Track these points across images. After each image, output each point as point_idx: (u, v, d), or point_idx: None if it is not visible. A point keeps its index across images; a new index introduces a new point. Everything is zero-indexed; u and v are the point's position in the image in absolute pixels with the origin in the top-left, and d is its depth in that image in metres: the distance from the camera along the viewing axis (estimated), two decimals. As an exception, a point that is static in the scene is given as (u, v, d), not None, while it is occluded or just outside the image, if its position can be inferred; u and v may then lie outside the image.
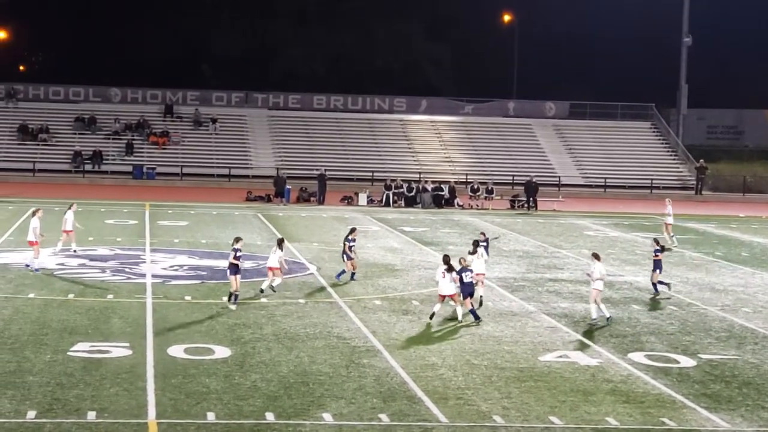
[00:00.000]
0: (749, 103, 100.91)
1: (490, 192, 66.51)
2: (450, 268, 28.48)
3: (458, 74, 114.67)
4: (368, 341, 26.24)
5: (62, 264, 36.85)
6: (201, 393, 21.17)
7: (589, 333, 28.12)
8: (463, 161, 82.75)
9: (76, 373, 22.31)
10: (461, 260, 29.68)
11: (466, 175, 77.84)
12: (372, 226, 52.46)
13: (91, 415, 19.55)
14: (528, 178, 68.69)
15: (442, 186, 66.94)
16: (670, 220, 49.41)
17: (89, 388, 21.19)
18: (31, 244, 35.57)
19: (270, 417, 19.88)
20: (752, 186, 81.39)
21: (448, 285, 28.45)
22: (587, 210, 65.70)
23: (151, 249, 41.48)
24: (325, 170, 68.49)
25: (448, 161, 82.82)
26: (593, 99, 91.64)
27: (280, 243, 32.80)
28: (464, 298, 28.81)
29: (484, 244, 33.96)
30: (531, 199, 65.98)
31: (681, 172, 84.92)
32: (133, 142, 79.90)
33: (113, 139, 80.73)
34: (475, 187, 67.34)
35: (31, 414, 19.51)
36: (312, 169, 73.07)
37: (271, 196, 65.05)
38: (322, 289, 33.70)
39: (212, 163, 79.65)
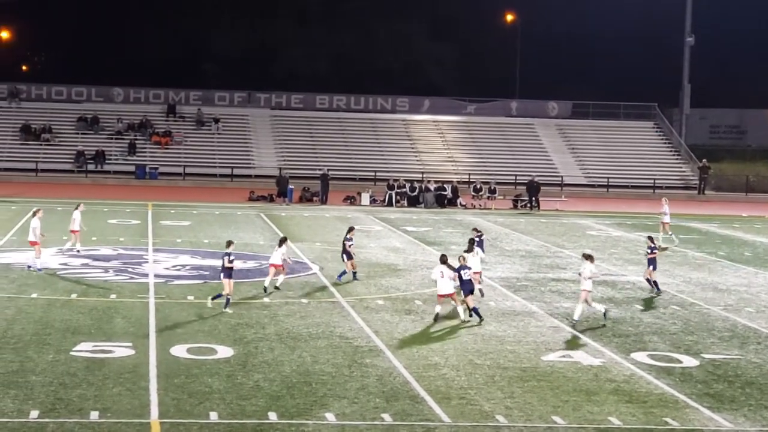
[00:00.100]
0: (751, 102, 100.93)
1: (492, 192, 66.52)
2: (448, 267, 28.47)
3: (461, 74, 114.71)
4: (371, 341, 26.24)
5: (65, 264, 36.86)
6: (204, 393, 21.17)
7: (592, 333, 28.10)
8: (465, 161, 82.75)
9: (79, 372, 22.31)
10: (460, 258, 29.73)
11: (469, 174, 77.84)
12: (375, 226, 52.46)
13: (94, 415, 19.55)
14: (530, 178, 68.69)
15: (444, 186, 66.97)
16: (666, 219, 49.42)
17: (92, 388, 21.20)
18: (32, 244, 35.60)
19: (273, 417, 19.88)
20: (755, 185, 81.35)
21: (446, 284, 28.44)
22: (590, 210, 65.69)
23: (153, 249, 41.50)
24: (328, 170, 68.52)
25: (450, 161, 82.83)
26: (596, 99, 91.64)
27: (282, 242, 32.88)
28: (465, 295, 28.82)
29: (478, 239, 34.02)
30: (533, 198, 65.98)
31: (684, 171, 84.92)
32: (136, 141, 79.97)
33: (116, 138, 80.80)
34: (478, 186, 67.34)
35: (34, 414, 19.52)
36: (315, 169, 73.14)
37: (274, 196, 65.06)
38: (325, 288, 33.70)
39: (215, 162, 79.69)
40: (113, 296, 31.04)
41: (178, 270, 36.41)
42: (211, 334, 26.36)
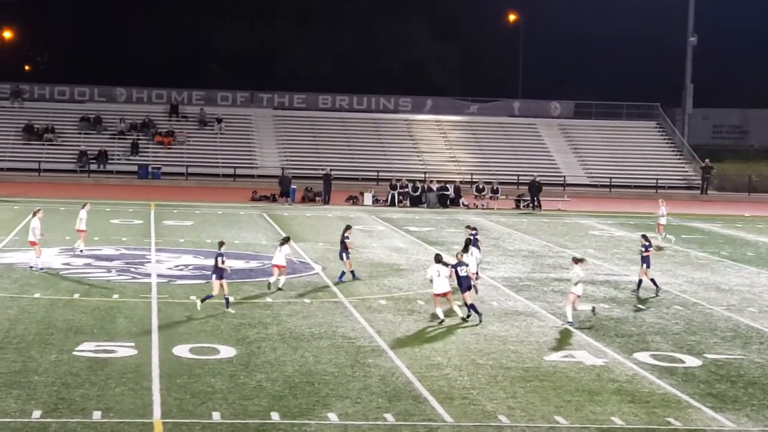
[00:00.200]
0: (754, 102, 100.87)
1: (495, 192, 66.52)
2: (443, 265, 28.47)
3: (463, 74, 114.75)
4: (373, 341, 26.24)
5: (68, 264, 36.88)
6: (206, 393, 21.18)
7: (594, 333, 28.09)
8: (468, 161, 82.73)
9: (82, 372, 22.32)
10: (458, 255, 29.77)
11: (471, 174, 77.81)
12: (377, 226, 52.47)
13: (97, 415, 19.56)
14: (531, 178, 68.69)
15: (447, 186, 66.97)
16: (663, 221, 49.41)
17: (94, 388, 21.21)
18: (32, 244, 35.65)
19: (275, 417, 19.89)
20: (758, 185, 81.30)
21: (443, 283, 28.43)
22: (592, 209, 65.67)
23: (156, 249, 41.51)
24: (331, 170, 68.49)
25: (453, 161, 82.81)
26: (598, 99, 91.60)
27: (285, 241, 32.91)
28: (462, 292, 28.84)
29: (473, 238, 34.03)
30: (534, 198, 65.97)
31: (686, 171, 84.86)
32: (139, 141, 79.99)
33: (118, 138, 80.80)
34: (480, 186, 67.35)
35: (37, 413, 19.53)
36: (317, 169, 73.15)
37: (277, 196, 65.07)
38: (327, 288, 33.70)
39: (217, 162, 79.70)
40: (116, 296, 31.06)
41: (181, 270, 36.41)
42: (213, 334, 26.37)
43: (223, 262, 28.86)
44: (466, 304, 28.88)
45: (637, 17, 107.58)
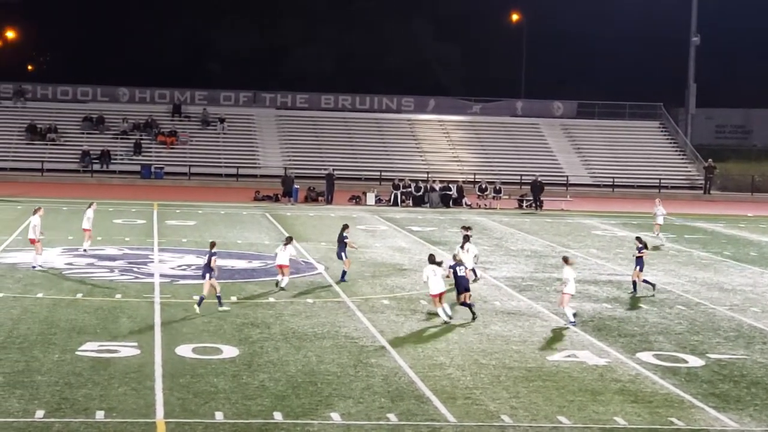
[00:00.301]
0: (757, 102, 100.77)
1: (498, 191, 66.48)
2: (437, 265, 28.48)
3: (466, 74, 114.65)
4: (376, 341, 26.24)
5: (71, 264, 36.90)
6: (209, 392, 21.18)
7: (597, 333, 28.09)
8: (471, 161, 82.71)
9: (85, 372, 22.33)
10: (455, 256, 29.80)
11: (474, 174, 77.79)
12: (380, 226, 52.47)
13: (100, 415, 19.57)
14: (533, 178, 68.68)
15: (450, 185, 66.93)
16: (660, 220, 49.40)
17: (97, 388, 21.22)
18: (32, 241, 35.71)
19: (278, 416, 19.89)
20: (760, 185, 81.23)
21: (438, 283, 28.42)
22: (595, 209, 65.64)
23: (159, 249, 41.52)
24: (333, 170, 68.48)
25: (456, 161, 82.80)
26: (601, 98, 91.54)
27: (289, 241, 32.94)
28: (460, 292, 28.86)
29: (469, 235, 34.16)
30: (536, 198, 65.94)
31: (689, 171, 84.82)
32: (141, 141, 80.00)
33: (121, 138, 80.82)
34: (483, 186, 67.32)
35: (40, 413, 19.54)
36: (320, 169, 73.16)
37: (279, 196, 65.09)
38: (330, 288, 33.71)
39: (220, 162, 79.71)
40: (119, 296, 31.07)
41: (184, 270, 36.42)
42: (216, 334, 26.38)
43: (214, 262, 28.90)
44: (465, 304, 28.88)
45: (641, 17, 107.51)
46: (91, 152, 77.39)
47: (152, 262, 38.15)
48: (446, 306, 28.71)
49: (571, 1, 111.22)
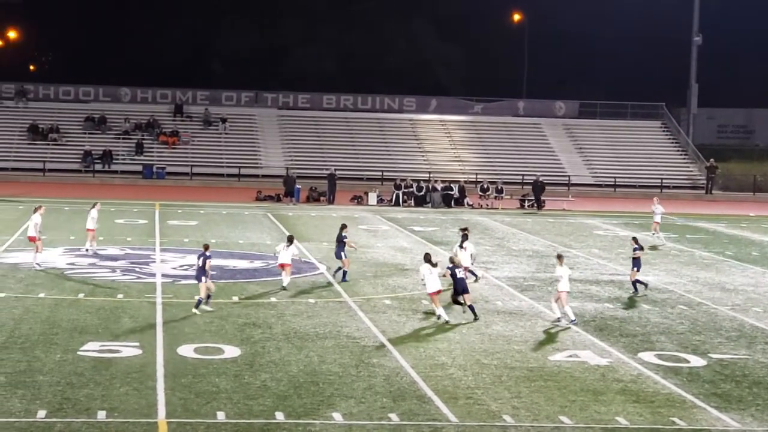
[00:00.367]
0: (759, 102, 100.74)
1: (499, 191, 66.47)
2: (433, 265, 28.49)
3: (468, 74, 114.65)
4: (378, 341, 26.25)
5: (72, 263, 36.92)
6: (211, 392, 21.19)
7: (599, 333, 28.08)
8: (472, 161, 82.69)
9: (87, 372, 22.34)
10: (452, 258, 29.83)
11: (476, 174, 77.78)
12: (382, 226, 52.47)
13: (101, 415, 19.58)
14: (535, 178, 68.66)
15: (451, 185, 66.94)
16: (658, 218, 49.40)
17: (99, 388, 21.22)
18: (31, 239, 35.73)
19: (280, 416, 19.89)
20: (762, 185, 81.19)
21: (434, 282, 28.43)
22: (597, 209, 65.63)
23: (161, 248, 41.53)
24: (335, 170, 68.49)
25: (457, 161, 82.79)
26: (603, 98, 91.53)
27: (290, 241, 32.94)
28: (458, 294, 28.84)
29: (467, 234, 34.23)
30: (537, 198, 65.93)
31: (691, 171, 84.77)
32: (143, 141, 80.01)
33: (123, 138, 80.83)
34: (485, 186, 67.30)
35: (42, 413, 19.55)
36: (322, 169, 73.16)
37: (281, 196, 65.08)
38: (332, 288, 33.71)
39: (222, 162, 79.71)
40: (120, 296, 31.08)
41: (186, 270, 36.39)
42: (218, 334, 26.38)
43: (209, 265, 28.88)
44: (464, 304, 28.89)
45: (637, 17, 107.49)
46: (92, 152, 77.42)
47: (154, 262, 38.16)
48: (438, 309, 28.72)
49: (572, 1, 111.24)
